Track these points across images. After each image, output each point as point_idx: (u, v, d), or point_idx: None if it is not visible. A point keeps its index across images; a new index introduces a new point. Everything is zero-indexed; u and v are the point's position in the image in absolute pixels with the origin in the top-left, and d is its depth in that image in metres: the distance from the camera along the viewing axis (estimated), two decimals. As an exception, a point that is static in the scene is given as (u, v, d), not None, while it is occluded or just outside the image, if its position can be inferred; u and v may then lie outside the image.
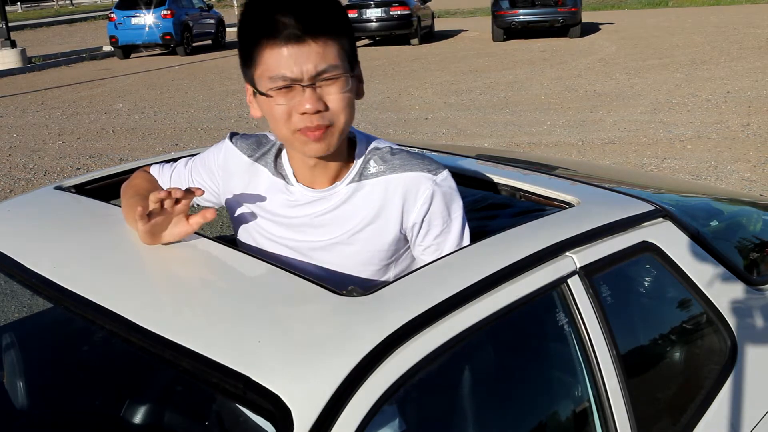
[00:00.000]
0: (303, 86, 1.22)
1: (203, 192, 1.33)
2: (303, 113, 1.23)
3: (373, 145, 1.39)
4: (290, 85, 1.22)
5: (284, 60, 1.21)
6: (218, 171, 1.47)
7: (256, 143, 1.44)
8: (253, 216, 1.42)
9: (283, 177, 1.39)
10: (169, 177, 1.55)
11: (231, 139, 1.47)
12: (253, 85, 1.28)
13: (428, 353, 1.07)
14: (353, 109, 1.29)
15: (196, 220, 1.31)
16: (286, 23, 1.19)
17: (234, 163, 1.44)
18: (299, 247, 1.38)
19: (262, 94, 1.26)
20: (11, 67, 14.43)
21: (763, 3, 23.22)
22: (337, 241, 1.36)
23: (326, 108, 1.24)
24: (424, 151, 2.13)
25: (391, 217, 1.35)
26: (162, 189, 1.53)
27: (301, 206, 1.37)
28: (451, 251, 1.36)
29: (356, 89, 1.31)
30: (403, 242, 1.39)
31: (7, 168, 6.83)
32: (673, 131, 7.19)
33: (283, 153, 1.41)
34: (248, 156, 1.43)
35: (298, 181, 1.38)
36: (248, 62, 1.27)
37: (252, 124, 8.44)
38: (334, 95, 1.24)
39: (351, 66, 1.27)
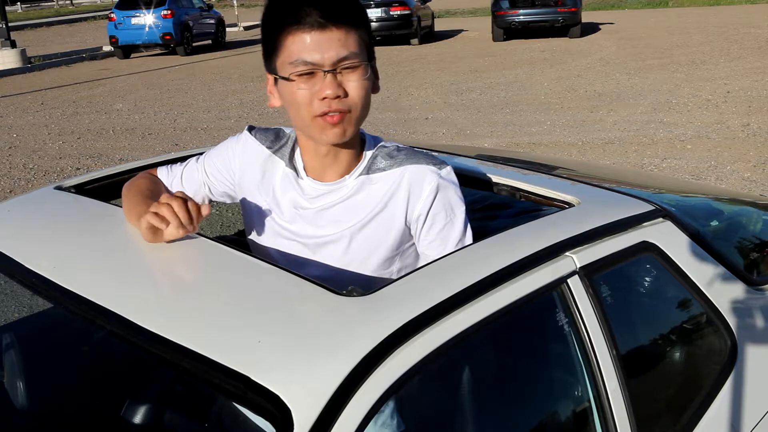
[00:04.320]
0: (324, 72, 1.27)
1: (209, 211, 1.34)
2: (323, 98, 1.27)
3: (380, 143, 1.44)
4: (312, 71, 1.27)
5: (307, 46, 1.26)
6: (235, 161, 1.49)
7: (275, 135, 1.48)
8: (265, 207, 1.45)
9: (295, 170, 1.43)
10: (180, 175, 1.55)
11: (250, 131, 1.50)
12: (275, 72, 1.33)
13: (428, 353, 1.07)
14: (369, 101, 1.34)
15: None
16: (310, 11, 1.25)
17: (253, 154, 1.47)
18: (308, 236, 1.40)
19: (284, 78, 1.30)
20: (11, 67, 14.43)
21: (763, 3, 23.22)
22: (346, 231, 1.38)
23: (346, 94, 1.28)
24: (424, 151, 2.13)
25: (397, 209, 1.38)
26: (168, 189, 1.53)
27: (311, 199, 1.40)
28: (455, 245, 1.38)
29: (373, 82, 1.35)
30: (407, 235, 1.41)
31: (7, 168, 6.83)
32: (673, 131, 7.19)
33: (297, 147, 1.44)
34: (267, 147, 1.46)
35: (307, 175, 1.41)
36: (271, 50, 1.32)
37: (253, 123, 8.43)
38: (354, 82, 1.29)
39: (369, 57, 1.33)
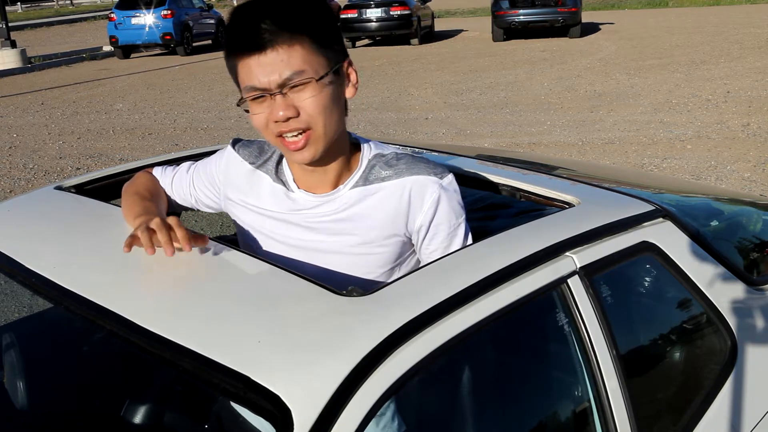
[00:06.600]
0: (271, 95, 1.23)
1: (207, 241, 1.30)
2: (276, 120, 1.24)
3: (377, 150, 1.39)
4: (261, 95, 1.24)
5: (252, 71, 1.22)
6: (219, 177, 1.47)
7: (258, 150, 1.44)
8: (255, 221, 1.42)
9: (284, 183, 1.39)
10: (171, 180, 1.55)
11: (233, 146, 1.47)
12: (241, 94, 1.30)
13: (428, 353, 1.07)
14: (337, 110, 1.28)
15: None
16: (250, 34, 1.20)
17: (235, 170, 1.45)
18: (304, 249, 1.38)
19: (244, 108, 1.28)
20: (11, 67, 14.43)
21: (763, 3, 23.21)
22: (344, 246, 1.35)
23: (298, 113, 1.24)
24: (425, 151, 2.13)
25: (397, 220, 1.35)
26: (164, 190, 1.54)
27: (305, 210, 1.37)
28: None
29: (339, 88, 1.29)
30: (408, 245, 1.40)
31: (7, 168, 6.83)
32: (673, 131, 7.19)
33: (284, 159, 1.41)
34: (250, 163, 1.43)
35: (299, 187, 1.38)
36: (233, 76, 1.29)
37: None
38: (305, 101, 1.23)
39: (331, 63, 1.25)
